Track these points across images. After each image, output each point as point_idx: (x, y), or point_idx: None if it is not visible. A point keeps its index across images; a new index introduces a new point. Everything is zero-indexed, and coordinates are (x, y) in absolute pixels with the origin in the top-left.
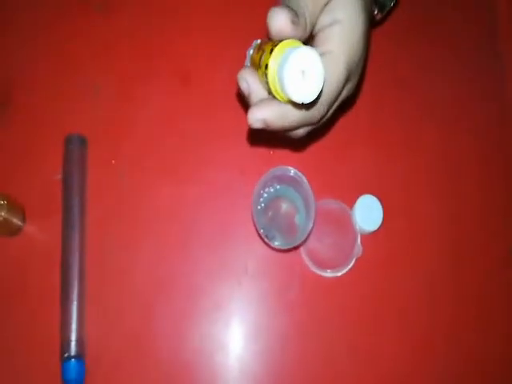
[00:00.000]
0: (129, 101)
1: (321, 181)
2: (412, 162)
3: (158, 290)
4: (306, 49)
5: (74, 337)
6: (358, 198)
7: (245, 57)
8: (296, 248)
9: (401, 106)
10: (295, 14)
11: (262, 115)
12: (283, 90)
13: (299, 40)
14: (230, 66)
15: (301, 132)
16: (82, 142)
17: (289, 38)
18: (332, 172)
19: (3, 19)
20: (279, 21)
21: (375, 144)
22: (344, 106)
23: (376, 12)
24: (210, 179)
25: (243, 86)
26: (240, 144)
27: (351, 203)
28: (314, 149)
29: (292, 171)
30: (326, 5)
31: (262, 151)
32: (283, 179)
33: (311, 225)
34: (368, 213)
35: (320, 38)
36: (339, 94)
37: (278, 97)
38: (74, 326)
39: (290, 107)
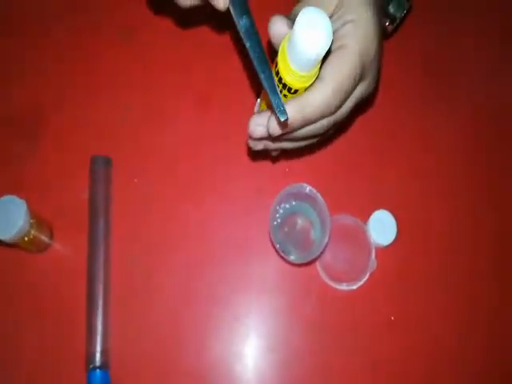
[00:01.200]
0: (152, 123)
1: (335, 196)
2: (425, 176)
3: (180, 303)
4: (311, 8)
5: (99, 348)
6: (372, 212)
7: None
8: (312, 262)
9: (414, 122)
10: (292, 22)
11: None
12: (296, 48)
13: None
14: (247, 91)
15: (325, 124)
16: (107, 162)
17: None
18: (346, 187)
19: (36, 47)
20: (277, 25)
21: (388, 160)
22: (360, 107)
23: (387, 23)
24: (229, 197)
25: (260, 130)
26: (257, 163)
27: (365, 218)
28: (328, 165)
29: (307, 188)
30: (330, 16)
31: (278, 169)
32: (299, 196)
33: (326, 239)
34: (382, 227)
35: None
36: (354, 84)
37: (291, 80)
38: (99, 338)
39: (305, 97)
